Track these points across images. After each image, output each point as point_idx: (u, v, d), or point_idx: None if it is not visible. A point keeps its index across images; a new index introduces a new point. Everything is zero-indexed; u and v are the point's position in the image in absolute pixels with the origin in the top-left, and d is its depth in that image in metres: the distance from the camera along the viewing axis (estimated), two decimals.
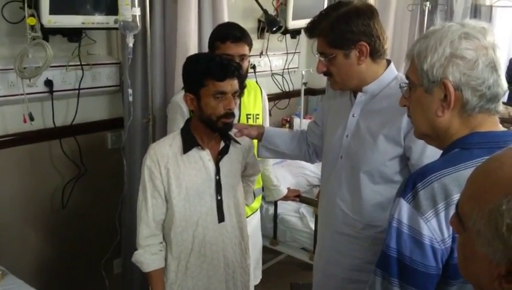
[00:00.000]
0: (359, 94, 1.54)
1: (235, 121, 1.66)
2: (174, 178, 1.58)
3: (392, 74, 1.53)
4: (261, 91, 2.22)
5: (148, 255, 1.63)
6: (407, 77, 1.08)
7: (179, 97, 1.86)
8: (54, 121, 2.28)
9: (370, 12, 1.46)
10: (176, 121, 1.91)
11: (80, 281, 2.49)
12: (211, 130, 1.59)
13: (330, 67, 1.50)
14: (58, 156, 2.37)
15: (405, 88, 1.10)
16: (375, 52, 1.47)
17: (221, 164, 1.65)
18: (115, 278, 2.65)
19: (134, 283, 2.56)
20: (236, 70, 1.55)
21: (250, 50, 1.98)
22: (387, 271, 0.99)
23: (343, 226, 1.58)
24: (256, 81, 2.26)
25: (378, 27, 1.46)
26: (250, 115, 2.09)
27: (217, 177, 1.63)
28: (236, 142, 1.69)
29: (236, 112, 1.76)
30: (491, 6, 4.31)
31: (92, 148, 2.50)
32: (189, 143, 1.60)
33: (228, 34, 1.91)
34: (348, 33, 1.43)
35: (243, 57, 1.93)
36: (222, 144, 1.66)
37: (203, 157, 1.62)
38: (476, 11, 4.17)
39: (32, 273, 2.30)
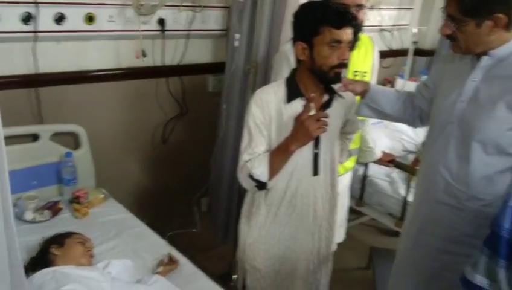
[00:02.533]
0: (484, 58, 1.42)
1: (344, 73, 1.59)
2: (276, 126, 1.59)
3: None
4: (373, 47, 2.12)
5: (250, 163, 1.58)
6: None
7: (288, 47, 1.83)
8: (163, 60, 2.38)
9: None
10: (281, 71, 1.89)
11: (172, 213, 2.67)
12: (319, 80, 1.55)
13: (457, 32, 1.38)
14: (163, 93, 2.49)
15: None
16: (511, 24, 1.33)
17: None
18: (202, 215, 2.81)
19: (218, 223, 2.69)
20: (353, 19, 1.48)
21: (367, 1, 1.88)
22: (496, 251, 0.93)
23: (444, 195, 1.51)
24: (370, 37, 2.15)
25: None
26: (357, 72, 2.01)
27: None
28: (340, 96, 1.64)
29: None
30: None
31: (194, 89, 2.60)
32: (293, 93, 1.58)
33: None
34: (485, 2, 1.31)
35: (359, 7, 1.84)
36: (325, 97, 1.62)
37: None
38: None
39: (131, 200, 2.49)
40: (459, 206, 1.49)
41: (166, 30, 2.32)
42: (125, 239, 1.89)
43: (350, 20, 1.47)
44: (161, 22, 2.31)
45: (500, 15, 1.31)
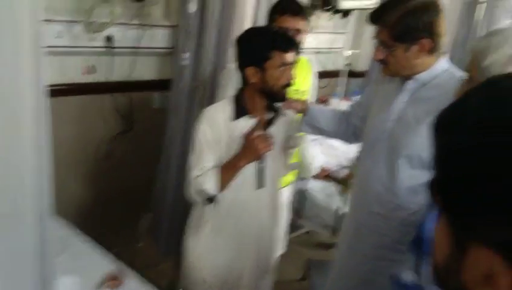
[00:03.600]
0: (409, 81, 1.58)
1: None
2: (225, 142, 1.68)
3: (445, 66, 1.57)
4: (312, 68, 2.29)
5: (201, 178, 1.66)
6: (467, 71, 1.13)
7: (235, 66, 1.95)
8: (110, 76, 2.41)
9: (436, 9, 1.48)
10: (227, 88, 2.00)
11: (117, 229, 2.66)
12: (269, 99, 1.67)
13: (388, 57, 1.55)
14: (109, 109, 2.51)
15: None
16: (435, 49, 1.51)
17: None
18: (145, 231, 2.83)
19: (161, 239, 2.73)
20: (296, 44, 1.64)
21: (306, 26, 2.05)
22: (421, 249, 1.08)
23: (376, 205, 1.66)
24: (308, 59, 2.33)
25: (442, 24, 1.49)
26: (298, 90, 2.17)
27: None
28: (283, 114, 1.78)
29: None
30: None
31: (140, 105, 2.64)
32: (240, 111, 1.69)
33: (287, 7, 2.00)
34: (413, 29, 1.47)
35: (298, 31, 2.00)
36: (270, 115, 1.75)
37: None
38: None
39: (74, 216, 2.46)
40: (388, 215, 1.63)
41: (114, 47, 2.37)
42: (69, 256, 1.85)
43: (294, 44, 1.63)
44: (109, 39, 2.35)
45: (426, 40, 1.48)
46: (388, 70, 1.60)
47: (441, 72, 1.56)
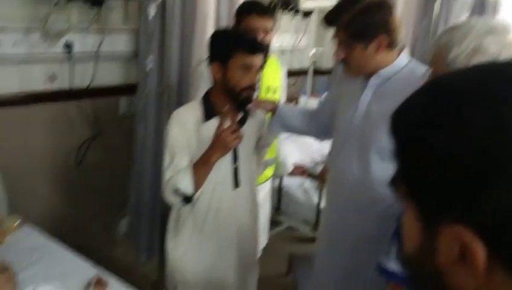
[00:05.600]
0: (372, 78, 1.61)
1: (257, 92, 1.72)
2: (195, 145, 1.65)
3: (405, 60, 1.60)
4: (281, 67, 2.30)
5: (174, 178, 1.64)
6: (431, 66, 1.15)
7: (205, 66, 1.93)
8: (72, 83, 2.34)
9: (389, 6, 1.52)
10: (200, 89, 1.98)
11: (93, 236, 2.57)
12: (232, 100, 1.66)
13: (348, 56, 1.57)
14: (74, 116, 2.43)
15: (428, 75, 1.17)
16: (393, 44, 1.54)
17: None
18: (121, 237, 2.76)
19: (140, 243, 2.67)
20: (264, 47, 1.62)
21: (273, 26, 2.04)
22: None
23: (352, 201, 1.67)
24: (277, 58, 2.33)
25: (396, 20, 1.53)
26: (270, 87, 2.17)
27: (234, 147, 1.70)
28: (251, 115, 1.76)
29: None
30: None
31: (105, 111, 2.57)
32: (209, 112, 1.67)
33: (253, 7, 1.99)
34: (368, 26, 1.50)
35: (266, 31, 1.99)
36: (240, 115, 1.73)
37: None
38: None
39: (48, 225, 2.35)
40: (365, 209, 1.64)
41: (73, 53, 2.29)
42: (49, 263, 1.79)
43: (260, 48, 1.61)
44: (68, 45, 2.27)
45: (383, 36, 1.50)
46: (351, 70, 1.63)
47: (402, 66, 1.59)
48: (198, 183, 1.63)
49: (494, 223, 0.44)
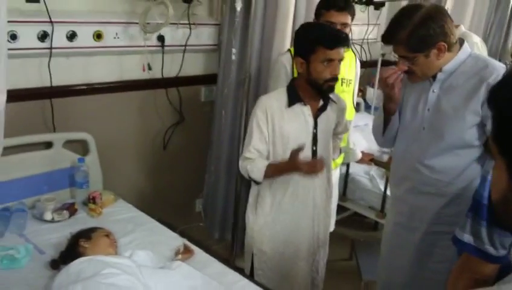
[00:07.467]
0: (438, 74, 1.69)
1: None
2: (278, 127, 1.83)
3: (466, 53, 1.67)
4: (356, 58, 2.42)
5: (251, 162, 1.87)
6: None
7: (285, 57, 2.10)
8: (162, 73, 2.59)
9: (442, 13, 1.59)
10: (279, 78, 2.15)
11: (175, 213, 2.83)
12: (315, 90, 1.82)
13: (412, 67, 1.64)
14: (162, 103, 2.69)
15: None
16: (451, 46, 1.62)
17: (319, 119, 1.88)
18: (197, 215, 3.02)
19: (215, 223, 2.90)
20: (345, 39, 1.75)
21: (352, 20, 2.17)
22: (479, 215, 1.18)
23: (426, 186, 1.76)
24: (352, 49, 2.44)
25: (450, 24, 1.59)
26: (344, 79, 2.29)
27: (314, 131, 1.87)
28: (334, 102, 1.91)
29: None
30: None
31: (189, 99, 2.81)
32: (293, 98, 1.84)
33: (333, 3, 2.11)
34: (426, 38, 1.57)
35: (344, 25, 2.12)
36: (321, 103, 1.89)
37: (304, 112, 1.85)
38: None
39: (135, 202, 2.63)
40: (440, 192, 1.74)
41: (165, 46, 2.54)
42: (140, 234, 2.05)
43: (342, 41, 1.74)
44: (161, 38, 2.52)
45: (442, 43, 1.58)
46: (415, 78, 1.70)
47: (465, 58, 1.66)
48: (267, 177, 1.85)
49: None
